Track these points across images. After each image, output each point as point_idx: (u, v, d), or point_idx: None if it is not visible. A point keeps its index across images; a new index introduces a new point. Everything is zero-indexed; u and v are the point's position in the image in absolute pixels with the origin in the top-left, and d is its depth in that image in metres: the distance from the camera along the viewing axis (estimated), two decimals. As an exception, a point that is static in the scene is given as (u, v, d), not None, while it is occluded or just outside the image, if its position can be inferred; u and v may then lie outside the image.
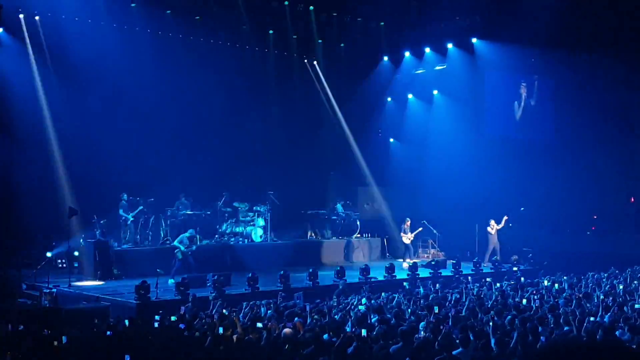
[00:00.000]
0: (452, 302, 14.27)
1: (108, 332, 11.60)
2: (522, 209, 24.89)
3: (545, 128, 26.60)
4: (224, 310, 13.76)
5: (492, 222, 23.37)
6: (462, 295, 15.05)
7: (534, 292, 15.19)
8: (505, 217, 23.51)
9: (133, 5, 22.49)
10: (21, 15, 21.52)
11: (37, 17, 21.85)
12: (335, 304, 14.51)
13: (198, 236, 21.08)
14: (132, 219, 20.82)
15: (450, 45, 26.09)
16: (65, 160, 22.33)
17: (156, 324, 12.46)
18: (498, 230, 23.55)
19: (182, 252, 19.11)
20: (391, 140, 29.19)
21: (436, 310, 12.39)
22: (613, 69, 23.75)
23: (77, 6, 21.83)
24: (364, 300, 14.37)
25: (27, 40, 21.76)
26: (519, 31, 23.18)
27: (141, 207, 20.99)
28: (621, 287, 15.47)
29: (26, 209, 21.23)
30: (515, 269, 21.44)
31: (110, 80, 22.97)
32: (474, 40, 25.46)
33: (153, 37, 23.97)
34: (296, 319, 12.03)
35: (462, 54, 26.03)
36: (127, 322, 12.65)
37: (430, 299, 14.39)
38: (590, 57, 24.34)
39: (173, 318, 12.96)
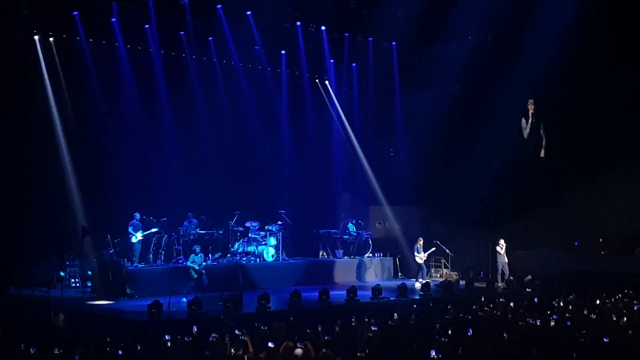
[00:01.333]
0: (465, 323, 14.19)
1: (120, 352, 11.60)
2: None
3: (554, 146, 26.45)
4: (236, 330, 13.72)
5: (502, 241, 23.28)
6: (476, 316, 14.97)
7: (549, 313, 15.08)
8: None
9: (147, 26, 22.68)
10: (36, 37, 21.72)
11: (51, 39, 22.07)
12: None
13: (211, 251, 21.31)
14: (140, 238, 20.82)
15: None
16: (79, 178, 22.45)
17: (168, 344, 12.45)
18: (507, 249, 23.45)
19: (196, 271, 19.15)
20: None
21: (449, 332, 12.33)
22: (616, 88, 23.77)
23: (91, 27, 22.07)
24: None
25: (42, 60, 21.93)
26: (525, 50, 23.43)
27: (156, 229, 21.03)
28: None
29: (39, 227, 21.35)
30: (528, 289, 21.30)
31: (124, 100, 23.27)
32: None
33: (166, 58, 24.20)
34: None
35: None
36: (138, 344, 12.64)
37: (443, 320, 14.32)
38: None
39: (186, 338, 12.94)
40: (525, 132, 24.21)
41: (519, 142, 26.27)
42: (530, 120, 25.89)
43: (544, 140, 26.26)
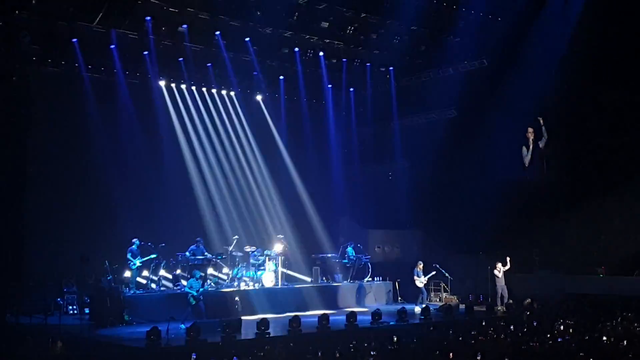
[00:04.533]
0: (466, 346, 14.14)
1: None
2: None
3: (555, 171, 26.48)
4: (234, 358, 13.66)
5: (499, 264, 23.24)
6: (477, 341, 14.92)
7: (549, 336, 15.03)
8: (509, 258, 23.37)
9: (145, 53, 22.82)
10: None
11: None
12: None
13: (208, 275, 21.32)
14: (139, 264, 20.78)
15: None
16: (77, 204, 22.50)
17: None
18: (505, 273, 23.41)
19: (194, 297, 19.10)
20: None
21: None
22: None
23: (90, 54, 22.20)
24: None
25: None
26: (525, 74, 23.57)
27: (155, 255, 21.00)
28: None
29: (37, 254, 21.33)
30: (528, 313, 21.24)
31: (123, 126, 23.37)
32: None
33: (166, 87, 24.34)
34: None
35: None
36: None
37: (444, 344, 14.27)
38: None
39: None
40: (527, 160, 24.33)
41: (520, 169, 26.29)
42: (531, 148, 25.93)
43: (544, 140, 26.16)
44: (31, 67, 21.60)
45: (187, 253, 21.59)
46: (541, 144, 26.15)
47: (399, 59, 26.06)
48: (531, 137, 26.49)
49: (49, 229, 21.79)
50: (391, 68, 27.21)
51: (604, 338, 14.34)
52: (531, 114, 25.76)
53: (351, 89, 28.15)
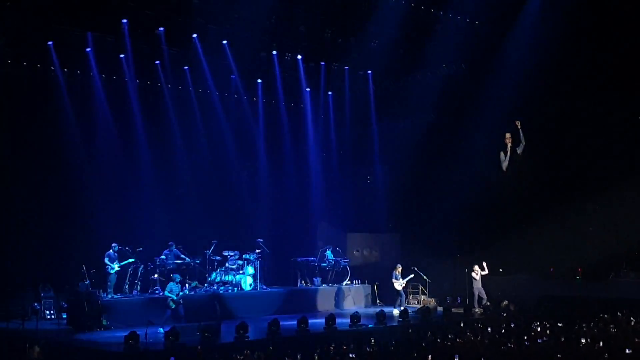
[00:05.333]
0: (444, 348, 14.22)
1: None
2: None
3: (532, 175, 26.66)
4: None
5: (476, 267, 23.43)
6: (454, 343, 14.99)
7: (526, 338, 15.14)
8: (485, 264, 23.55)
9: (122, 56, 22.69)
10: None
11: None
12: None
13: (187, 281, 21.23)
14: (117, 269, 20.64)
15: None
16: (54, 208, 22.30)
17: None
18: (482, 276, 23.57)
19: (173, 301, 19.01)
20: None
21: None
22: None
23: (66, 57, 22.05)
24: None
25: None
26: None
27: (132, 260, 20.88)
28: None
29: (13, 259, 21.10)
30: (505, 314, 21.40)
31: (99, 130, 23.27)
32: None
33: (142, 88, 24.22)
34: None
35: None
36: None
37: (422, 346, 14.33)
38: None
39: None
40: (504, 165, 24.51)
41: (497, 174, 26.44)
42: (509, 154, 26.11)
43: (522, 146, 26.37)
44: (6, 70, 21.35)
45: (163, 257, 21.55)
46: (519, 150, 26.31)
47: (377, 63, 26.15)
48: (509, 142, 26.64)
49: (25, 234, 21.55)
50: (369, 72, 27.28)
51: (581, 340, 14.47)
52: (509, 118, 25.92)
53: (330, 93, 28.18)
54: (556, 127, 24.94)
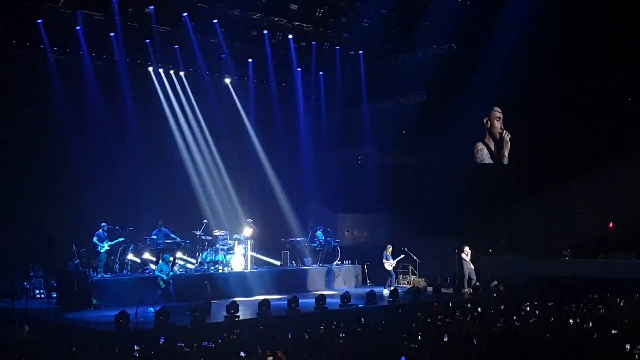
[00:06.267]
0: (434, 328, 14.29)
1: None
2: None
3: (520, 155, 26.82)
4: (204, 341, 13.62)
5: (466, 248, 23.52)
6: (444, 323, 15.07)
7: (515, 318, 15.23)
8: (467, 247, 23.64)
9: (112, 35, 22.51)
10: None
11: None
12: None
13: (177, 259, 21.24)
14: (107, 248, 20.60)
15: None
16: (43, 187, 22.20)
17: (136, 354, 12.34)
18: (472, 255, 23.69)
19: (163, 280, 19.00)
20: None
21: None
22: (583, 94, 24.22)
23: (55, 36, 21.88)
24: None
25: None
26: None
27: (122, 239, 20.83)
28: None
29: (3, 237, 21.04)
30: (494, 294, 21.52)
31: (89, 108, 23.11)
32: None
33: (132, 67, 24.04)
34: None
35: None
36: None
37: (412, 326, 14.40)
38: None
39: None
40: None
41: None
42: (498, 136, 26.35)
43: (508, 147, 26.63)
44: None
45: (153, 237, 21.53)
46: (507, 137, 26.52)
47: (368, 43, 26.08)
48: (499, 124, 26.77)
49: (15, 213, 21.49)
50: (360, 52, 27.20)
51: (570, 320, 14.57)
52: (498, 98, 26.01)
53: (321, 73, 28.08)
54: (545, 106, 24.99)
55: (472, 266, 23.49)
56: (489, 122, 26.74)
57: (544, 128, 25.23)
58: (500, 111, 26.64)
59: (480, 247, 24.30)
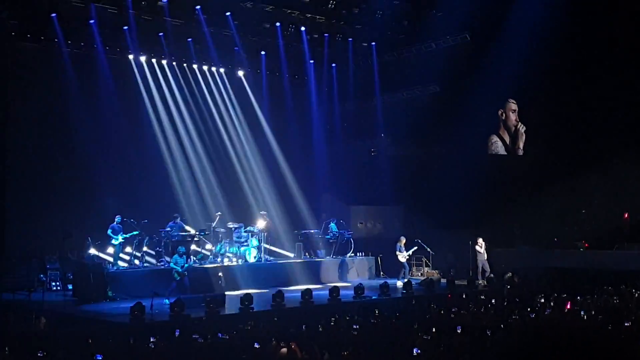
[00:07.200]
0: (447, 320, 14.29)
1: (98, 357, 11.48)
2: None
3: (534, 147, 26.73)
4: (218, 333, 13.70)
5: (480, 239, 23.46)
6: (458, 314, 15.07)
7: (529, 310, 15.20)
8: (481, 239, 23.56)
9: (125, 28, 22.60)
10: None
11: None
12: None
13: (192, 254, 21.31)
14: (121, 240, 20.74)
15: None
16: (59, 180, 22.37)
17: (152, 345, 12.42)
18: (486, 247, 23.65)
19: (178, 272, 19.10)
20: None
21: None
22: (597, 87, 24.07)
23: (70, 30, 21.99)
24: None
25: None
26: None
27: (137, 232, 20.95)
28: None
29: (19, 230, 21.22)
30: (509, 286, 21.46)
31: (104, 102, 23.20)
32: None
33: (146, 62, 24.14)
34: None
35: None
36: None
37: (425, 318, 14.41)
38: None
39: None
40: (497, 147, 24.68)
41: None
42: (513, 129, 26.24)
43: (523, 139, 26.55)
44: (10, 42, 21.29)
45: (168, 229, 21.63)
46: (522, 129, 26.40)
47: (381, 34, 26.01)
48: (514, 116, 26.66)
49: (31, 206, 21.69)
50: (373, 43, 27.13)
51: (584, 311, 14.53)
52: (513, 89, 25.86)
53: (333, 65, 28.05)
54: (560, 96, 24.86)
55: (486, 258, 23.45)
56: (504, 114, 26.66)
57: (558, 119, 25.10)
58: (515, 103, 26.53)
59: (495, 239, 24.21)
